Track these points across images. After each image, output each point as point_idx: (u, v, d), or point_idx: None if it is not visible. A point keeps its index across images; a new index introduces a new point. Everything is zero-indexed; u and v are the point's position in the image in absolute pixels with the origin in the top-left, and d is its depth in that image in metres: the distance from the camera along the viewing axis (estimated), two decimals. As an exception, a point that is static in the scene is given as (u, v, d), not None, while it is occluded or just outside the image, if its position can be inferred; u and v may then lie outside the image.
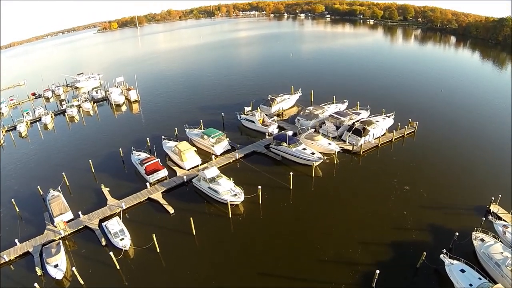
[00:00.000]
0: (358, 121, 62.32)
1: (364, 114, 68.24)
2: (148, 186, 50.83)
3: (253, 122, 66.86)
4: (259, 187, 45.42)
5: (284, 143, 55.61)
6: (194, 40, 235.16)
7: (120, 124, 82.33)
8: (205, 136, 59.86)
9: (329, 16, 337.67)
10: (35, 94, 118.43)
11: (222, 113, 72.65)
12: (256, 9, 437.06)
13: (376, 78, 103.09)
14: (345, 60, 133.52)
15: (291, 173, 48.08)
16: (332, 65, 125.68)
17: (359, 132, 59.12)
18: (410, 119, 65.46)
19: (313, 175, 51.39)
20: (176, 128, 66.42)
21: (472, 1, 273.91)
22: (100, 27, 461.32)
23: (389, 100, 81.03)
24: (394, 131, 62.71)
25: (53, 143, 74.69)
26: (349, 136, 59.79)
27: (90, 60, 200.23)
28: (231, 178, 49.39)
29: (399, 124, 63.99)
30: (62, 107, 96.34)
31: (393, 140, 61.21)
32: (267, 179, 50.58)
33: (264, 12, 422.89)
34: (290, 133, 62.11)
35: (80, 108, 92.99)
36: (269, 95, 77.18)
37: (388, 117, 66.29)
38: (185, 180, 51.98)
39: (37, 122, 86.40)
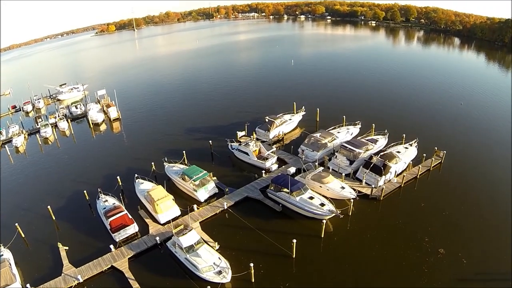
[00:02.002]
0: (376, 154, 49.45)
1: (382, 142, 55.66)
2: (113, 249, 38.41)
3: (247, 154, 54.01)
4: (251, 264, 32.74)
5: (285, 189, 42.84)
6: (189, 44, 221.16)
7: (95, 150, 69.30)
8: (186, 177, 47.06)
9: (330, 17, 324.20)
10: (15, 107, 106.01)
11: (210, 141, 59.38)
12: (255, 10, 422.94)
13: (386, 89, 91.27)
14: (350, 68, 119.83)
15: (295, 240, 35.16)
16: (337, 73, 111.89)
17: (379, 170, 46.50)
18: (436, 148, 53.01)
19: (322, 234, 38.59)
20: (153, 163, 53.39)
21: (473, 1, 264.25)
22: (98, 29, 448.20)
23: (405, 119, 69.64)
24: (420, 165, 50.08)
25: (17, 175, 61.42)
26: (366, 174, 47.12)
27: (79, 66, 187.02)
28: (216, 244, 36.96)
29: (424, 155, 51.61)
30: (37, 125, 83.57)
31: (418, 176, 48.56)
32: (264, 245, 37.87)
33: (264, 13, 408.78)
34: (292, 170, 49.48)
35: (57, 127, 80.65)
36: (267, 117, 64.28)
37: (411, 145, 53.74)
38: (158, 242, 39.24)
39: (6, 145, 73.25)
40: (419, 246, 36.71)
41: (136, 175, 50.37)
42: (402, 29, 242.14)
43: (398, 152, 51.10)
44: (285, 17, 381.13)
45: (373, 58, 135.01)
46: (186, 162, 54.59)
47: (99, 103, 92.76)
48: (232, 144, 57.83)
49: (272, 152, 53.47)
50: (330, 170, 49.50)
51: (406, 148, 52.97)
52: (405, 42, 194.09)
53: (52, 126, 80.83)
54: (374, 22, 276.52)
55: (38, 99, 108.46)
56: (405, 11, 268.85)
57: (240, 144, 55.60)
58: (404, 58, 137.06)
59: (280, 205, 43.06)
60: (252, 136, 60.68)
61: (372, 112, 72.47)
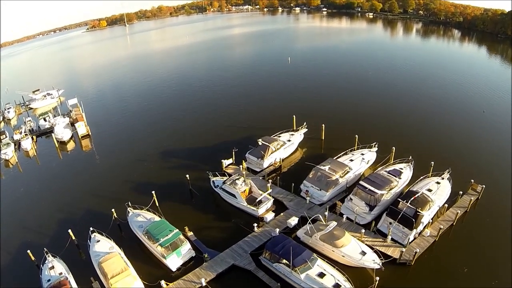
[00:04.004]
0: (404, 197, 36.68)
1: (407, 174, 43.14)
2: None
3: (234, 196, 41.07)
4: None
5: (285, 261, 30.30)
6: (179, 40, 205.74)
7: (56, 180, 55.26)
8: (152, 239, 34.36)
9: (326, 9, 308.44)
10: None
11: (187, 175, 45.68)
12: (249, 3, 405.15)
13: (398, 95, 77.63)
14: (353, 66, 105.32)
15: None
16: (339, 74, 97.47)
17: (409, 221, 34.14)
18: (472, 181, 40.96)
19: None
20: (113, 210, 40.22)
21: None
22: (90, 25, 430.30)
23: (426, 136, 56.73)
24: (456, 208, 37.79)
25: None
26: (393, 226, 34.63)
27: (62, 67, 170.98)
28: None
29: (461, 193, 39.45)
30: (-1, 143, 70.47)
31: (454, 222, 36.21)
32: None
33: (258, 6, 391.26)
34: (293, 222, 36.83)
35: (20, 147, 67.74)
36: (260, 139, 51.11)
37: (442, 178, 41.25)
38: None
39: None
40: None
41: (91, 229, 37.49)
42: (401, 21, 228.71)
43: (430, 190, 38.56)
44: (280, 9, 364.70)
45: (375, 53, 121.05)
46: (156, 208, 41.71)
47: (70, 115, 79.52)
48: (215, 179, 44.82)
49: (267, 193, 40.50)
50: (344, 219, 36.96)
51: (438, 183, 40.42)
52: (406, 35, 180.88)
53: (15, 145, 68.04)
54: (372, 14, 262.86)
55: (8, 108, 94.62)
56: (403, 2, 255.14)
57: (225, 182, 42.38)
58: (410, 53, 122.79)
59: (279, 283, 30.32)
60: (241, 166, 47.78)
61: (387, 127, 60.01)
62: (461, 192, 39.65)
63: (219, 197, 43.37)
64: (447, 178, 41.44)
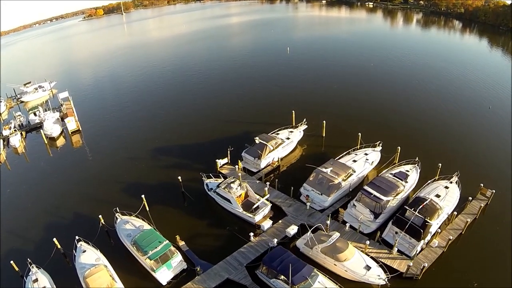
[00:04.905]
0: (410, 204, 34.04)
1: (413, 177, 40.49)
2: None
3: (229, 201, 38.40)
4: None
5: (283, 277, 27.78)
6: (175, 29, 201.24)
7: (44, 179, 52.40)
8: (140, 251, 31.73)
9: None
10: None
11: (179, 177, 42.80)
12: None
13: (403, 88, 74.21)
14: (353, 56, 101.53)
15: None
16: (340, 65, 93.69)
17: (417, 232, 31.56)
18: (481, 185, 38.45)
19: None
20: (101, 216, 37.59)
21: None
22: (87, 14, 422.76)
23: (433, 134, 53.75)
24: (465, 215, 35.45)
25: None
26: (400, 237, 32.12)
27: (55, 58, 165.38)
28: None
29: (470, 199, 37.07)
30: (-13, 140, 67.44)
31: (463, 231, 33.71)
32: None
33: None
34: (293, 231, 34.16)
35: (9, 143, 64.92)
36: (257, 137, 48.15)
37: (451, 183, 38.69)
38: None
39: None
40: None
41: (77, 238, 34.86)
42: (401, 11, 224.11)
43: (438, 196, 35.97)
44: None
45: (377, 44, 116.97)
46: (146, 213, 39.07)
47: (60, 109, 76.45)
48: (208, 182, 42.01)
49: (265, 199, 37.80)
50: (347, 227, 34.42)
51: (447, 187, 37.80)
52: (407, 26, 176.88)
53: (3, 141, 65.37)
54: (372, 3, 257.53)
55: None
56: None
57: (219, 186, 39.61)
58: (410, 44, 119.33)
59: (277, 301, 27.89)
60: (237, 166, 45.07)
61: (391, 124, 56.91)
62: (470, 198, 37.08)
63: (213, 201, 40.55)
64: (456, 182, 38.86)
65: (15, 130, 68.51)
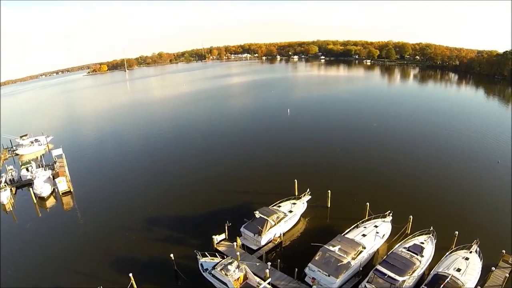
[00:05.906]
0: (430, 283, 30.50)
1: (429, 249, 36.94)
2: None
3: (226, 285, 33.84)
4: None
5: None
6: (176, 88, 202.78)
7: (28, 247, 47.38)
8: None
9: (324, 57, 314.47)
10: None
11: (172, 255, 38.05)
12: (248, 51, 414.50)
13: (411, 150, 71.87)
14: (354, 116, 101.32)
15: None
16: (342, 127, 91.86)
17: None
18: (504, 251, 35.46)
19: None
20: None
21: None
22: (91, 69, 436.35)
23: (445, 201, 50.12)
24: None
25: None
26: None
27: (56, 111, 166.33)
28: None
29: (493, 269, 33.35)
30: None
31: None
32: None
33: (256, 54, 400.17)
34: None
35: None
36: (257, 211, 44.21)
37: (471, 252, 35.38)
38: None
39: None
40: None
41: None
42: (398, 67, 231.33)
43: (459, 270, 32.48)
44: (278, 57, 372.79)
45: (377, 102, 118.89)
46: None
47: (53, 167, 73.79)
48: (204, 261, 37.78)
49: (266, 283, 33.44)
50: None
51: (467, 259, 34.33)
52: (405, 81, 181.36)
53: (-8, 196, 62.20)
54: (369, 60, 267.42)
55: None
56: (400, 48, 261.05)
57: (215, 267, 35.38)
58: (412, 101, 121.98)
59: None
60: (236, 243, 41.03)
61: (400, 189, 53.98)
62: (493, 268, 33.46)
63: (209, 283, 35.99)
64: (476, 251, 35.58)
65: (5, 185, 65.80)
